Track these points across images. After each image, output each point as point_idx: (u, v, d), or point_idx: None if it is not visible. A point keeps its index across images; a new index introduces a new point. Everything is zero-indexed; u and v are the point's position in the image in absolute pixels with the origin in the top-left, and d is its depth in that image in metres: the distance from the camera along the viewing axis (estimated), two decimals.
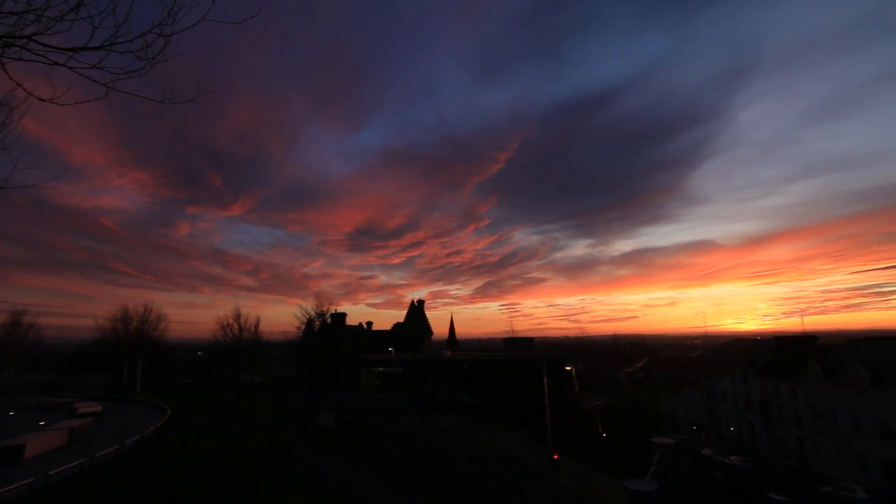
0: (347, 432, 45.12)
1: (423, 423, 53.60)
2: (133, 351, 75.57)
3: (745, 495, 38.22)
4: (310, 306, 73.18)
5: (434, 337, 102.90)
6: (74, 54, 5.27)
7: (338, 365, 70.72)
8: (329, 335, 71.47)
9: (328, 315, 73.02)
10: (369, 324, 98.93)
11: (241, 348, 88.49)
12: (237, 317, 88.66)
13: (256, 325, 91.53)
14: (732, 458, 50.24)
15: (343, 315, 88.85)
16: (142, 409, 48.05)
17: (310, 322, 69.28)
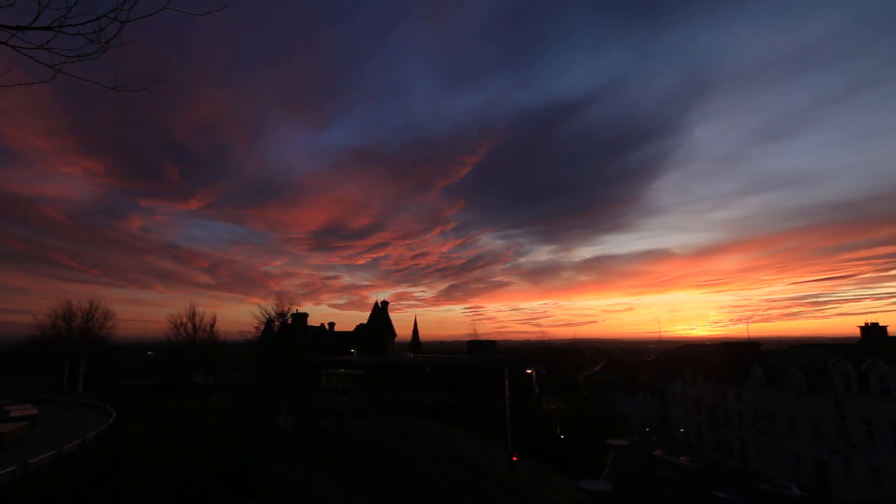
0: (306, 435, 44.13)
1: (385, 426, 53.16)
2: (76, 350, 71.10)
3: (692, 494, 39.98)
4: (270, 306, 71.14)
5: (397, 339, 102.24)
6: (18, 32, 4.94)
7: (298, 366, 69.06)
8: (289, 336, 69.66)
9: (289, 315, 71.17)
10: (331, 325, 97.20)
11: (195, 348, 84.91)
12: (192, 315, 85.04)
13: (212, 325, 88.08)
14: (682, 458, 52.43)
15: (304, 315, 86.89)
16: (84, 412, 45.25)
17: (269, 322, 67.32)
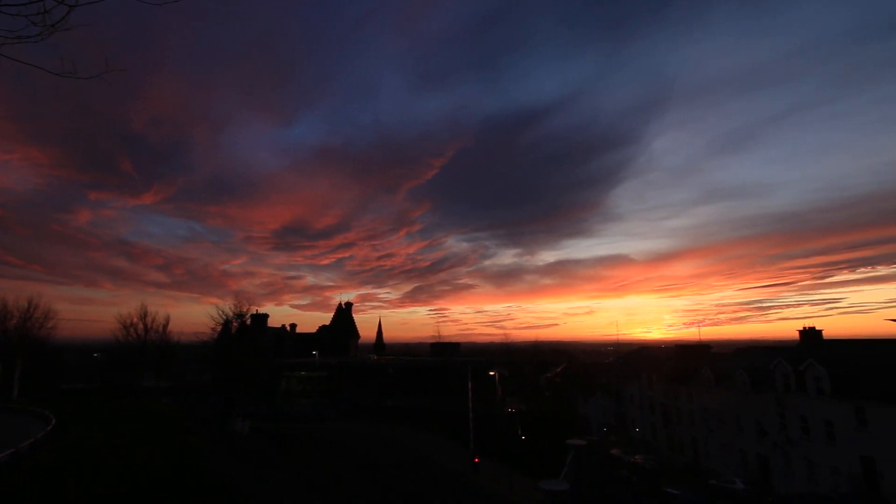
0: (264, 439, 42.83)
1: (347, 429, 52.38)
2: (11, 352, 66.23)
3: (646, 491, 41.43)
4: (228, 306, 68.48)
5: (361, 340, 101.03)
6: None
7: (257, 369, 66.98)
8: (248, 337, 67.52)
9: (248, 316, 68.91)
10: (293, 326, 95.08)
11: (146, 350, 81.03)
12: (143, 315, 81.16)
13: (165, 325, 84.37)
14: (637, 457, 54.20)
15: (265, 316, 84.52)
16: (19, 419, 42.27)
17: (227, 323, 64.95)
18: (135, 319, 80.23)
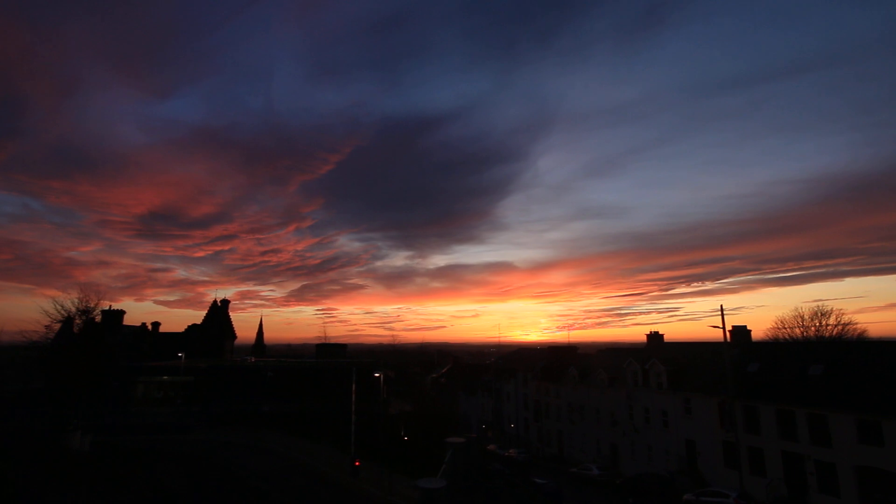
0: (109, 456, 37.22)
1: (216, 439, 48.01)
2: None
3: (516, 482, 44.47)
4: (71, 300, 58.12)
5: (239, 341, 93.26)
6: None
7: (105, 374, 57.97)
8: (96, 337, 58.22)
9: (97, 312, 59.39)
10: (155, 325, 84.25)
11: None
12: None
13: None
14: (511, 450, 57.96)
15: (120, 313, 73.67)
16: None
17: (68, 320, 55.27)
18: None
